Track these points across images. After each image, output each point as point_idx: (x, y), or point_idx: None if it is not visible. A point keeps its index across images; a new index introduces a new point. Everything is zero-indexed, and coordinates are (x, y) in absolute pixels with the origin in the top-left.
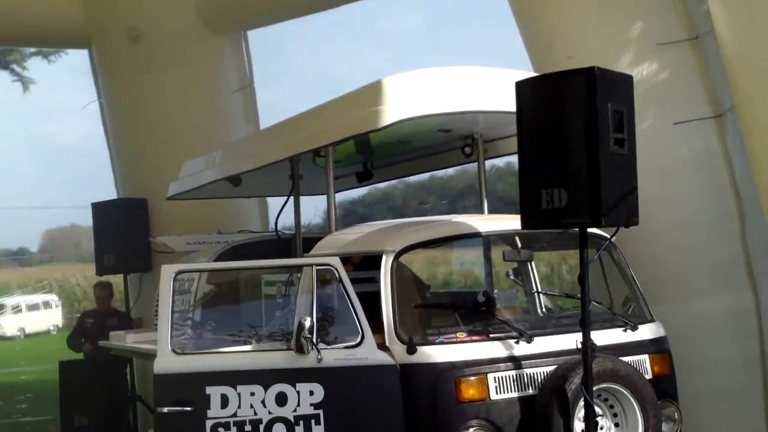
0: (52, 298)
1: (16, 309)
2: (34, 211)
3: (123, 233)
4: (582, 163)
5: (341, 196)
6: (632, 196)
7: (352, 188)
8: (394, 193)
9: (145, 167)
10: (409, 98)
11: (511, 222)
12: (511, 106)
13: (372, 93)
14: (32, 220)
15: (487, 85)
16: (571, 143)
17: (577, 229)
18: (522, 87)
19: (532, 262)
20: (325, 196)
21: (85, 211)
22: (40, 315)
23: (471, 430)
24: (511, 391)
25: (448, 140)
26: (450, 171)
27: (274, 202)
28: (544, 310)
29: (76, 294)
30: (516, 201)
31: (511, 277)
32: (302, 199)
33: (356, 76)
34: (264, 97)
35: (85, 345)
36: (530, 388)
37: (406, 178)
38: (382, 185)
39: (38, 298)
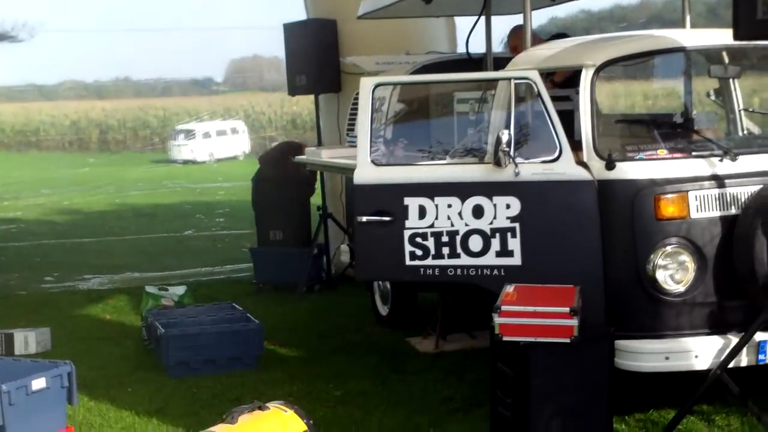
0: (239, 124)
1: (206, 135)
2: (219, 38)
3: (313, 54)
4: None
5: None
6: None
7: (545, 7)
8: (577, 23)
9: None
10: None
11: (719, 35)
12: None
13: None
14: (217, 47)
15: None
16: None
17: None
18: None
19: (737, 81)
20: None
21: (269, 34)
22: (228, 140)
23: (669, 248)
24: (713, 210)
25: None
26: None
27: (461, 23)
28: (746, 132)
29: (261, 122)
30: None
31: (712, 97)
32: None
33: None
34: None
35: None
36: (733, 207)
37: (588, 5)
38: (562, 14)
39: (226, 124)
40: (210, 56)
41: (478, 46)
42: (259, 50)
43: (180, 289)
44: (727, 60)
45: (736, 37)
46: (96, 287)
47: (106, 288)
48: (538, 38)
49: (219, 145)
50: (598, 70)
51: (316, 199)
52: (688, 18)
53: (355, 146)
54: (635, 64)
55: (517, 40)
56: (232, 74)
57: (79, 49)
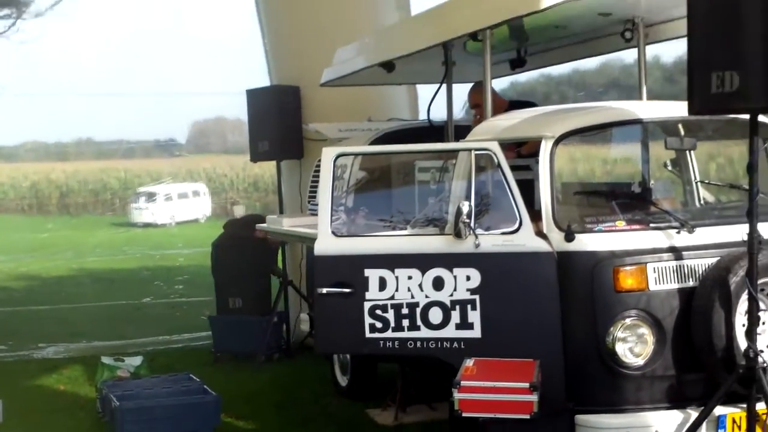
0: (201, 187)
1: (168, 197)
2: (182, 101)
3: (276, 120)
4: (757, 44)
5: None
6: None
7: (505, 75)
8: (537, 87)
9: (298, 55)
10: None
11: (676, 108)
12: None
13: None
14: (180, 109)
15: None
16: (745, 23)
17: (746, 116)
18: None
19: (692, 153)
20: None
21: (232, 99)
22: (189, 203)
23: (628, 320)
24: (671, 282)
25: (607, 24)
26: (593, 64)
27: (423, 90)
28: (702, 202)
29: (223, 184)
30: (663, 94)
31: (669, 167)
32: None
33: None
34: None
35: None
36: (690, 279)
37: (548, 70)
38: (522, 78)
39: (188, 187)
40: (173, 117)
41: (439, 112)
42: (222, 112)
43: (136, 360)
44: (683, 132)
45: (691, 111)
46: (51, 356)
47: (61, 357)
48: (500, 99)
49: (180, 208)
50: (557, 141)
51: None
52: (644, 89)
53: (317, 215)
54: (594, 135)
55: (478, 97)
56: (195, 136)
57: (41, 111)
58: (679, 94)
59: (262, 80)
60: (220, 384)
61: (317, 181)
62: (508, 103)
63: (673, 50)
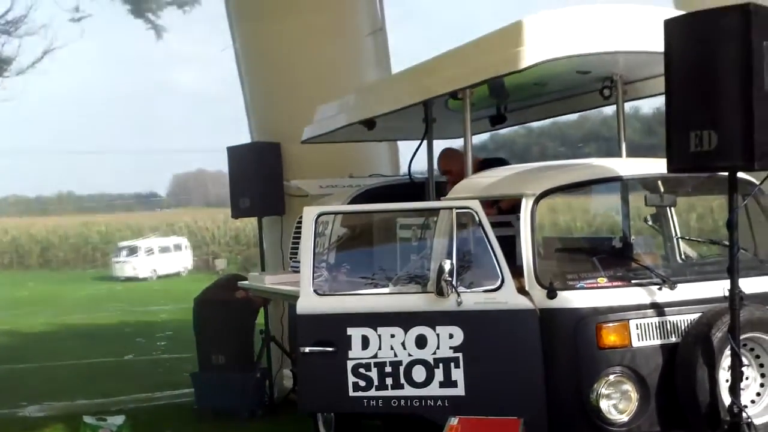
0: (183, 241)
1: (149, 251)
2: (163, 156)
3: (257, 177)
4: (734, 104)
5: (460, 143)
6: None
7: (485, 132)
8: (517, 139)
9: (279, 111)
10: (551, 38)
11: (655, 165)
12: (656, 45)
13: (513, 33)
14: (161, 163)
15: (629, 24)
16: (722, 83)
17: (724, 173)
18: (671, 25)
19: (672, 209)
20: (450, 143)
21: (212, 155)
22: (171, 257)
23: (612, 376)
24: (654, 339)
25: (586, 82)
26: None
27: (403, 147)
28: (683, 257)
29: (205, 238)
30: (642, 146)
31: (650, 223)
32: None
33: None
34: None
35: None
36: (673, 335)
37: (529, 125)
38: (503, 130)
39: (169, 241)
40: (154, 171)
41: (420, 165)
42: (203, 164)
43: (119, 419)
44: (662, 189)
45: (670, 169)
46: (32, 415)
47: (43, 416)
48: (475, 158)
49: (162, 262)
50: (538, 199)
51: (258, 321)
52: (623, 145)
53: (298, 271)
54: (575, 192)
55: (447, 163)
56: (176, 189)
57: (22, 167)
58: (658, 145)
59: (242, 135)
60: None
61: (299, 238)
62: (480, 162)
63: (651, 102)
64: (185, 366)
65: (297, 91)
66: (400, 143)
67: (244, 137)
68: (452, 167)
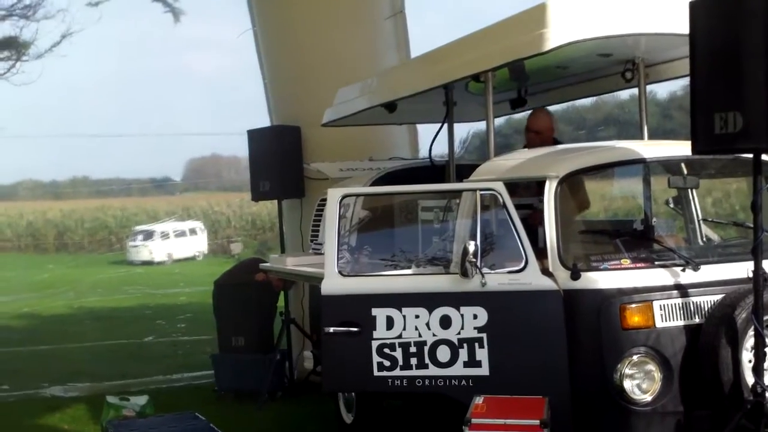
0: (198, 225)
1: (165, 235)
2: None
3: (277, 160)
4: (760, 85)
5: (478, 126)
6: None
7: (505, 115)
8: None
9: (299, 95)
10: (575, 20)
11: (677, 148)
12: (680, 27)
13: (536, 15)
14: (175, 148)
15: (653, 6)
16: (748, 64)
17: (748, 156)
18: (697, 7)
19: (694, 191)
20: (469, 125)
21: (226, 139)
22: (186, 241)
23: (635, 357)
24: (677, 320)
25: (607, 65)
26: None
27: (423, 130)
28: (704, 239)
29: (221, 222)
30: (659, 130)
31: (671, 205)
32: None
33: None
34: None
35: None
36: (696, 316)
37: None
38: (520, 114)
39: (185, 225)
40: (169, 155)
41: (440, 148)
42: (217, 150)
43: (142, 399)
44: (685, 171)
45: (695, 151)
46: (55, 395)
47: (64, 396)
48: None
49: (177, 246)
50: (562, 181)
51: (278, 304)
52: (645, 128)
53: (320, 253)
54: (597, 175)
55: (538, 122)
56: (191, 174)
57: (38, 151)
58: (676, 129)
59: (257, 118)
60: (222, 423)
61: (320, 220)
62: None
63: (667, 86)
64: (205, 348)
65: (316, 75)
66: (419, 126)
67: (259, 122)
68: (543, 127)
